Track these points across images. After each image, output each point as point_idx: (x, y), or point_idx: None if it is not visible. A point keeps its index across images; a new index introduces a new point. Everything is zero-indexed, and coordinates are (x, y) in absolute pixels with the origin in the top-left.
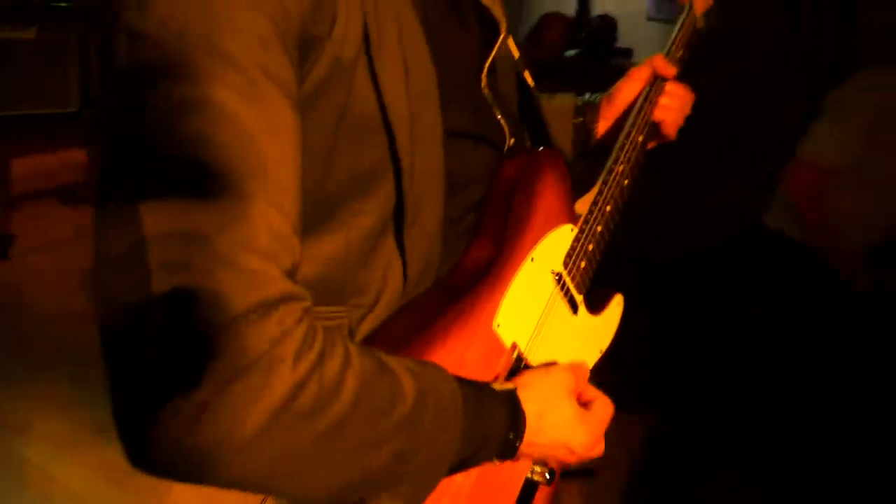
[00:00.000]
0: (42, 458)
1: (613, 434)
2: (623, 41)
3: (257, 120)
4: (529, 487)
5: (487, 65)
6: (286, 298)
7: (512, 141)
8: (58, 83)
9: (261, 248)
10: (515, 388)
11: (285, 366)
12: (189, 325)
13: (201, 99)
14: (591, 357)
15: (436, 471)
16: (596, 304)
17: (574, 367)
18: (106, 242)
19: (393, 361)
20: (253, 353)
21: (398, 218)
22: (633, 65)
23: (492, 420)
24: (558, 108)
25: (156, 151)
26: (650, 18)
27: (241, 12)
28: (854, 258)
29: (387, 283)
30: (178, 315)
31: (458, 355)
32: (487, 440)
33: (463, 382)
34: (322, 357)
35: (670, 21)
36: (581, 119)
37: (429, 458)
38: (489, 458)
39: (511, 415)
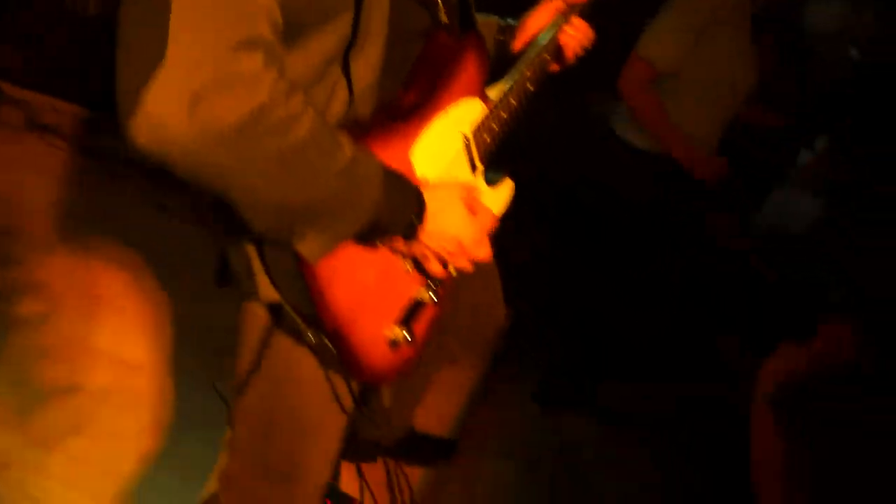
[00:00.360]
0: None
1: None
2: None
3: None
4: (416, 306)
5: None
6: (272, 46)
7: (445, 19)
8: None
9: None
10: (420, 187)
11: (265, 85)
12: (206, 40)
13: None
14: None
15: (356, 219)
16: (491, 181)
17: (469, 186)
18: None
19: (338, 130)
20: (246, 70)
21: (349, 47)
22: None
23: (402, 201)
24: (485, 23)
25: None
26: None
27: None
28: (699, 159)
29: (335, 98)
30: (199, 34)
31: (385, 160)
32: (396, 217)
33: (387, 167)
34: (290, 93)
35: None
36: (502, 38)
37: (352, 206)
38: (395, 233)
39: (416, 204)
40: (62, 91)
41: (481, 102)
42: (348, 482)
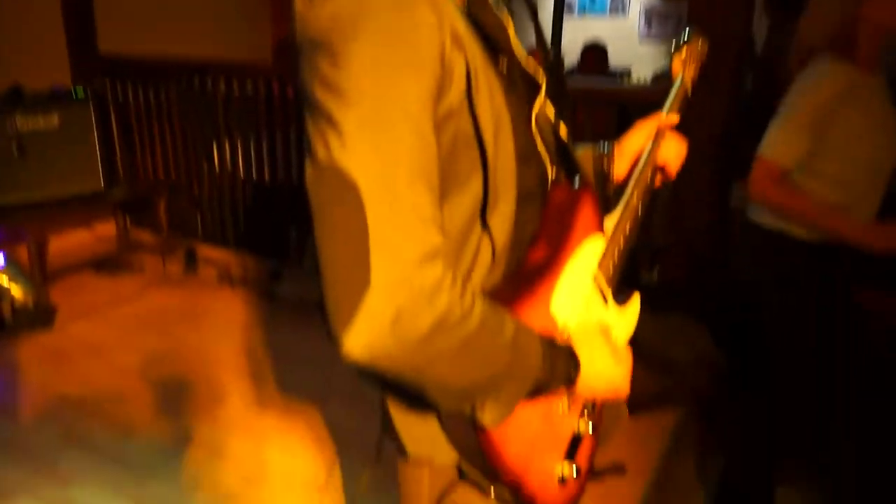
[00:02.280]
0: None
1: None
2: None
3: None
4: (576, 439)
5: (535, 111)
6: (444, 247)
7: (554, 170)
8: (84, 166)
9: (428, 220)
10: (569, 341)
11: (445, 291)
12: (400, 260)
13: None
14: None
15: (525, 383)
16: (621, 299)
17: (605, 327)
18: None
19: (497, 306)
20: (432, 281)
21: (485, 206)
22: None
23: (559, 361)
24: (584, 155)
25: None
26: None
27: (409, 80)
28: (868, 228)
29: (479, 259)
30: (395, 255)
31: (532, 320)
32: (557, 375)
33: (539, 331)
34: (462, 292)
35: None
36: (600, 168)
37: (522, 372)
38: (559, 385)
39: (571, 359)
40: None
41: (601, 237)
42: None
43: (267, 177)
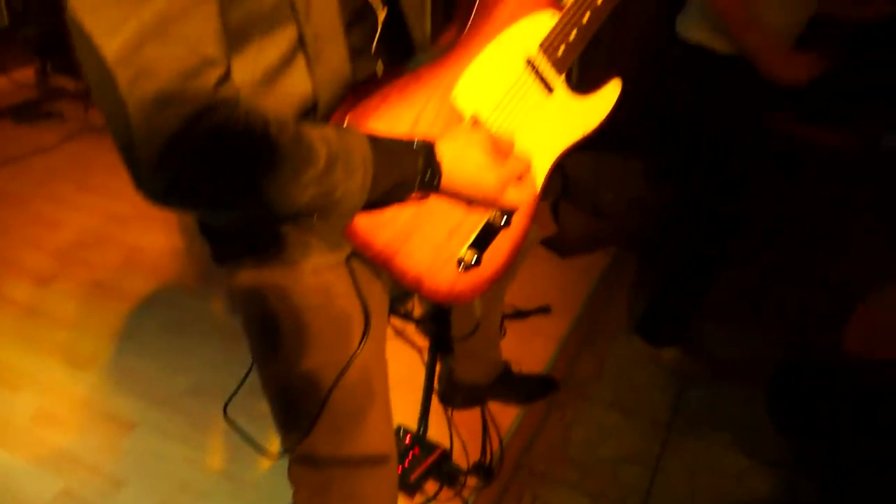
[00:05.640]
0: None
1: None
2: None
3: None
4: (487, 230)
5: None
6: (219, 102)
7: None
8: None
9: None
10: (433, 142)
11: (218, 143)
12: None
13: None
14: (571, 134)
15: (351, 205)
16: (587, 86)
17: (494, 135)
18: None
19: (310, 131)
20: (194, 99)
21: (304, 55)
22: None
23: (403, 166)
24: None
25: None
26: None
27: None
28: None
29: (299, 113)
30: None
31: (413, 114)
32: (403, 180)
33: (378, 141)
34: (245, 135)
35: None
36: None
37: (343, 197)
38: (409, 194)
39: (426, 160)
40: None
41: (551, 11)
42: (439, 431)
43: None
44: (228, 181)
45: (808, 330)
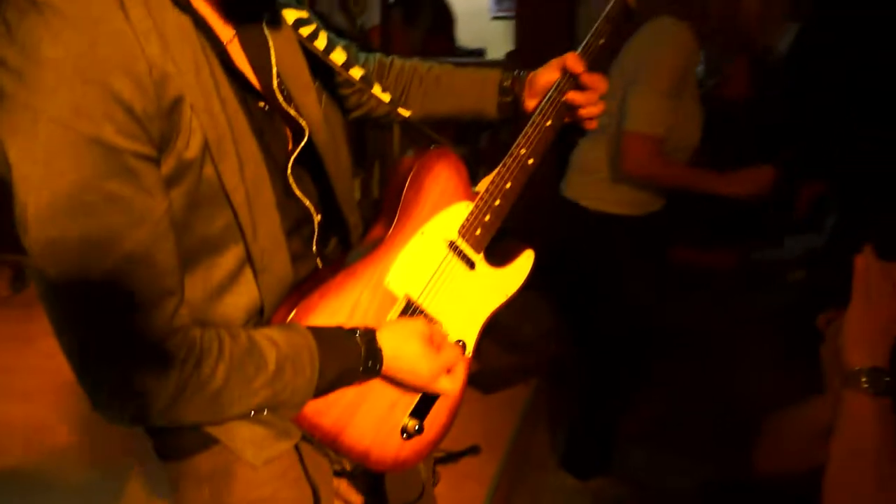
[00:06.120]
0: None
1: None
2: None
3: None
4: (427, 398)
5: (291, 160)
6: (175, 330)
7: (319, 217)
8: None
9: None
10: (375, 331)
11: (175, 372)
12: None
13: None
14: (494, 301)
15: (301, 399)
16: (504, 258)
17: (429, 326)
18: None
19: (260, 338)
20: (156, 366)
21: (252, 268)
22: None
23: (347, 357)
24: (483, 79)
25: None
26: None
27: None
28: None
29: (247, 317)
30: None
31: (352, 301)
32: (347, 370)
33: (322, 335)
34: (199, 361)
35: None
36: (508, 100)
37: (293, 394)
38: (353, 381)
39: (368, 349)
40: None
41: (466, 202)
42: None
43: None
44: (186, 402)
45: (722, 449)
